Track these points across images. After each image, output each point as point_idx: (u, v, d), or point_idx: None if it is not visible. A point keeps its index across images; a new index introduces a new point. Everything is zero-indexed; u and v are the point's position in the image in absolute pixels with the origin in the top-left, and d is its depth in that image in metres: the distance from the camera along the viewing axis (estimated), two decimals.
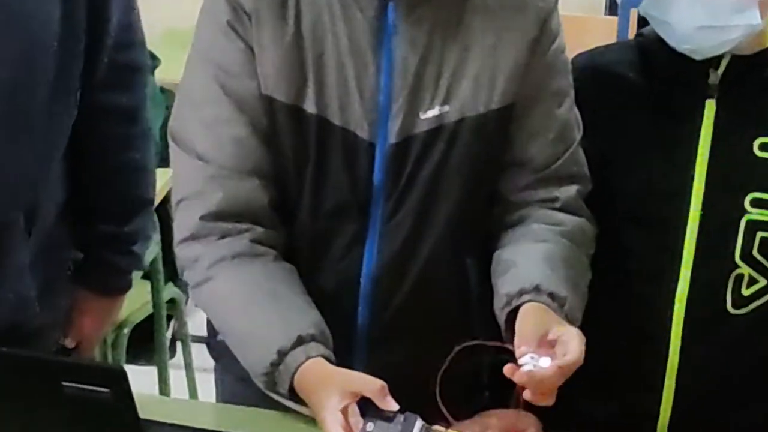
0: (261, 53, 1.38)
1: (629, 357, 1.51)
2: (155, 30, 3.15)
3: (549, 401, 1.26)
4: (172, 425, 1.43)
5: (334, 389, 1.30)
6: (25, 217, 1.54)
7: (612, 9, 3.71)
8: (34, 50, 1.52)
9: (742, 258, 1.44)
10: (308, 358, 1.33)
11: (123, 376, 1.12)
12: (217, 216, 1.41)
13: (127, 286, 1.79)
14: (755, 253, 1.43)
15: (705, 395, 1.49)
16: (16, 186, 1.53)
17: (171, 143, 1.46)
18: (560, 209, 1.47)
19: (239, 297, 1.41)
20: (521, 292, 1.36)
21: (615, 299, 1.47)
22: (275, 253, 1.43)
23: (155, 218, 1.80)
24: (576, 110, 1.47)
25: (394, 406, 1.28)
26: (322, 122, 1.39)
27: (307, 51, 1.38)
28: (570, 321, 1.36)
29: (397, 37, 1.39)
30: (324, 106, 1.39)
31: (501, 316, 1.38)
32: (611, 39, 3.12)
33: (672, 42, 1.42)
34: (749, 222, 1.44)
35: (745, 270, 1.44)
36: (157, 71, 2.90)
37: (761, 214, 1.44)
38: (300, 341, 1.34)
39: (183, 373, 2.98)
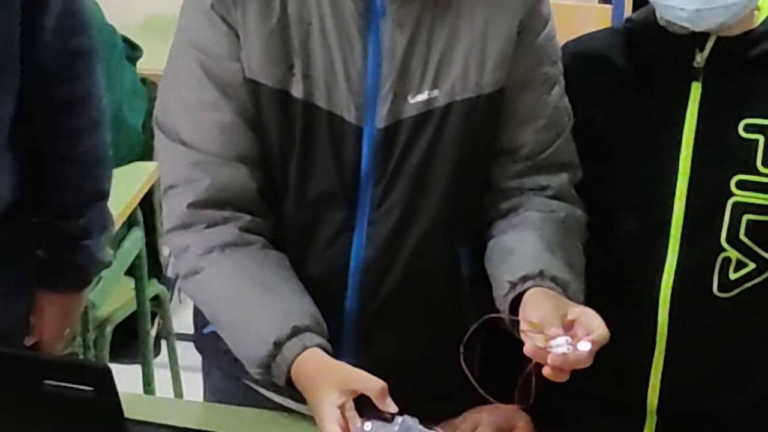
0: (246, 36, 1.38)
1: (617, 340, 1.46)
2: (135, 18, 3.06)
3: (565, 378, 1.28)
4: (156, 424, 1.44)
5: (333, 385, 1.30)
6: None
7: None
8: None
9: (728, 241, 1.45)
10: (305, 348, 1.33)
11: (107, 374, 1.11)
12: (205, 204, 1.41)
13: (84, 283, 1.76)
14: (742, 236, 1.44)
15: (692, 379, 1.51)
16: None
17: (156, 131, 1.45)
18: (553, 197, 1.47)
19: (231, 288, 1.41)
20: (525, 278, 1.36)
21: (602, 284, 1.47)
22: (264, 241, 1.43)
23: (109, 212, 1.78)
24: (566, 98, 1.48)
25: (393, 408, 1.28)
26: (309, 107, 1.39)
27: (293, 34, 1.38)
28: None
29: (384, 19, 1.38)
30: (310, 91, 1.39)
31: (504, 303, 1.39)
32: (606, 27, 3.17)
33: (670, 17, 1.43)
34: (735, 204, 1.45)
35: (733, 254, 1.45)
36: (138, 62, 2.89)
37: (747, 197, 1.45)
38: (296, 331, 1.34)
39: (168, 371, 2.99)
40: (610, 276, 1.49)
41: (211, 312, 1.45)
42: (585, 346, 1.23)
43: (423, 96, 1.39)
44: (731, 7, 1.39)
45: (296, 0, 1.37)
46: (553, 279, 1.35)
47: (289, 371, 1.34)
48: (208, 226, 1.40)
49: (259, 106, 1.40)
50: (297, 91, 1.38)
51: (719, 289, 1.46)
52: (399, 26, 1.37)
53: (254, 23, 1.36)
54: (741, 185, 1.44)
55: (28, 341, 1.69)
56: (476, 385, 1.35)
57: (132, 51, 2.87)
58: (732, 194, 1.44)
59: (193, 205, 1.40)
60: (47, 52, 1.58)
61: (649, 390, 1.51)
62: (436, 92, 1.39)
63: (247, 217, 1.42)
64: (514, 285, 1.36)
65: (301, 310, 1.37)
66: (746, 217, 1.43)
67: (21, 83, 1.57)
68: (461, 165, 1.43)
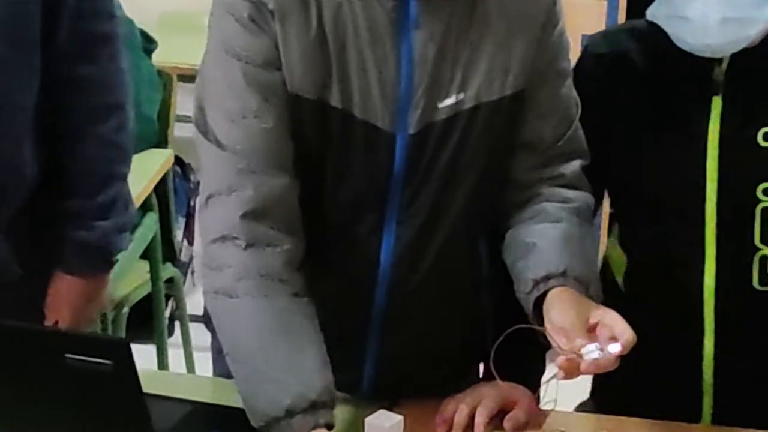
0: (286, 50, 1.38)
1: (665, 338, 1.54)
2: (151, 14, 3.13)
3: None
4: (171, 398, 1.49)
5: None
6: None
7: None
8: None
9: (762, 242, 1.48)
10: (316, 425, 1.33)
11: (126, 349, 1.13)
12: (250, 215, 1.40)
13: (103, 266, 1.76)
14: None
15: (744, 375, 1.53)
16: None
17: (197, 137, 1.45)
18: (566, 185, 1.50)
19: (261, 334, 1.39)
20: (548, 277, 1.38)
21: (646, 281, 1.53)
22: (302, 283, 1.42)
23: (129, 195, 1.80)
24: (574, 90, 1.51)
25: None
26: (345, 115, 1.40)
27: (330, 45, 1.38)
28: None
29: (415, 29, 1.39)
30: (347, 100, 1.39)
31: (527, 300, 1.41)
32: (600, 22, 3.11)
33: (689, 39, 1.41)
34: (764, 209, 1.47)
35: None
36: (153, 54, 2.91)
37: None
38: (312, 407, 1.33)
39: (181, 351, 3.02)
40: (655, 273, 1.54)
41: (233, 344, 1.42)
42: (615, 348, 1.26)
43: (451, 99, 1.40)
44: (750, 37, 1.40)
45: (332, 13, 1.37)
46: (576, 279, 1.37)
47: None
48: (249, 246, 1.38)
49: (299, 116, 1.40)
50: (335, 100, 1.38)
51: (760, 283, 1.48)
52: (429, 35, 1.38)
53: (294, 37, 1.37)
54: (767, 192, 1.47)
55: (47, 321, 1.71)
56: (495, 373, 1.37)
57: (148, 43, 2.87)
58: (759, 200, 1.46)
59: (238, 217, 1.38)
60: (67, 35, 1.60)
61: (704, 395, 1.55)
62: (462, 96, 1.40)
63: (287, 244, 1.41)
64: (537, 283, 1.38)
65: (323, 384, 1.35)
66: None
67: (42, 64, 1.59)
68: (486, 164, 1.46)
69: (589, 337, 1.28)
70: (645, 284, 1.52)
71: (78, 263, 1.71)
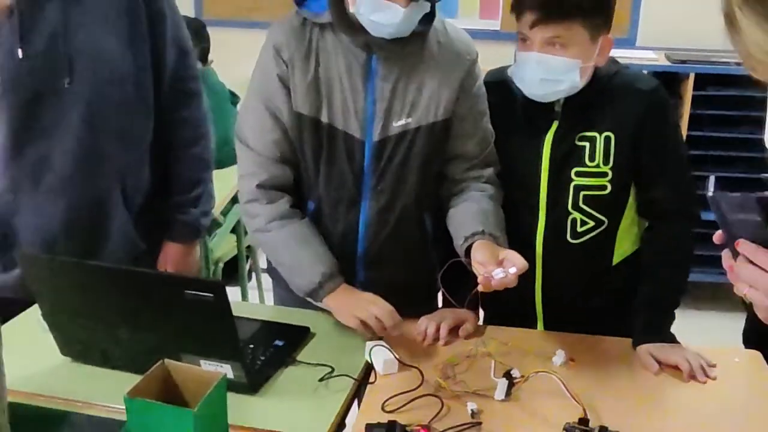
0: (293, 86, 1.48)
1: None
2: (236, 78, 2.72)
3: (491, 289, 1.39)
4: (249, 318, 1.60)
5: (368, 303, 1.45)
6: (122, 193, 1.68)
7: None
8: (123, 80, 1.62)
9: (573, 208, 1.57)
10: (337, 286, 1.48)
11: (222, 288, 1.27)
12: (263, 186, 1.52)
13: (191, 236, 1.81)
14: (581, 204, 1.56)
15: (561, 288, 1.62)
16: (115, 172, 1.66)
17: (236, 141, 1.57)
18: (485, 182, 1.60)
19: (288, 246, 1.52)
20: (474, 234, 1.49)
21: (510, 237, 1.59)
22: (302, 214, 1.55)
23: (212, 190, 1.83)
24: (490, 124, 1.59)
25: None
26: (332, 129, 1.49)
27: (322, 83, 1.48)
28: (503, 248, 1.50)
29: (377, 75, 1.47)
30: (332, 118, 1.48)
31: (461, 249, 1.51)
32: None
33: (524, 91, 1.53)
34: (575, 186, 1.57)
35: (577, 216, 1.57)
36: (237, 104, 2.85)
37: (581, 180, 1.56)
38: (332, 276, 1.49)
39: (256, 291, 3.16)
40: (515, 229, 1.60)
41: (275, 257, 1.58)
42: (513, 270, 1.37)
43: (402, 122, 1.49)
44: (562, 90, 1.49)
45: (324, 63, 1.48)
46: (491, 235, 1.49)
47: (323, 297, 1.49)
48: (269, 202, 1.52)
49: (301, 128, 1.49)
50: (324, 118, 1.48)
51: (571, 237, 1.60)
52: (386, 80, 1.49)
53: (299, 78, 1.48)
54: (577, 174, 1.56)
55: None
56: (449, 297, 1.47)
57: (233, 97, 2.96)
58: (572, 180, 1.56)
59: (258, 186, 1.52)
60: (168, 90, 1.71)
61: (536, 290, 1.64)
62: (409, 119, 1.50)
63: (288, 198, 1.54)
64: (467, 238, 1.50)
65: (332, 262, 1.51)
66: (582, 192, 1.56)
67: (154, 109, 1.71)
68: (425, 164, 1.55)
69: (498, 266, 1.39)
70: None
71: (179, 234, 1.81)
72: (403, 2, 1.38)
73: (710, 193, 0.87)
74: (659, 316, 1.54)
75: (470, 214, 1.53)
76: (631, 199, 1.59)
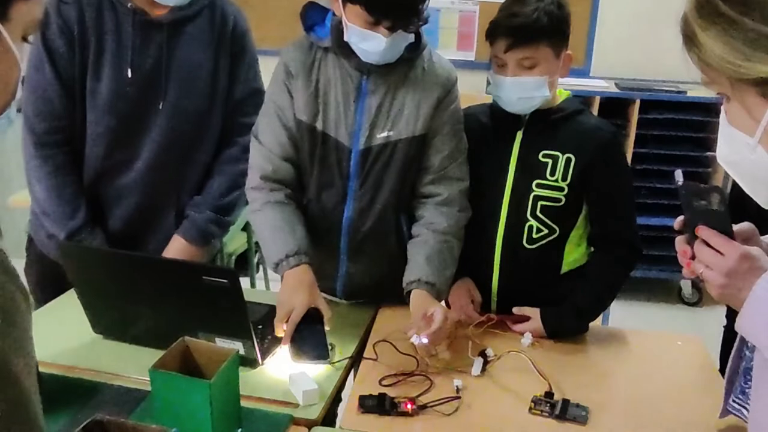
0: (296, 96, 1.50)
1: (481, 264, 1.60)
2: None
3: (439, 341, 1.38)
4: (257, 303, 1.60)
5: (306, 296, 1.41)
6: (176, 200, 1.71)
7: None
8: (200, 108, 1.64)
9: (530, 216, 1.58)
10: (300, 262, 1.45)
11: (235, 275, 1.31)
12: (267, 178, 1.53)
13: (198, 236, 1.69)
14: (538, 213, 1.57)
15: (515, 284, 1.61)
16: (175, 183, 1.70)
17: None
18: (442, 203, 1.55)
19: (273, 225, 1.50)
20: (411, 282, 1.49)
21: (473, 237, 1.60)
22: (295, 204, 1.54)
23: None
24: (465, 139, 1.59)
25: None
26: (325, 135, 1.50)
27: (320, 96, 1.50)
28: (439, 295, 1.49)
29: (366, 92, 1.48)
30: (326, 126, 1.49)
31: (405, 291, 1.49)
32: None
33: (504, 107, 1.57)
34: (534, 196, 1.57)
35: (533, 223, 1.58)
36: None
37: (541, 192, 1.55)
38: (297, 253, 1.45)
39: (263, 280, 3.14)
40: (477, 232, 1.60)
41: (260, 232, 1.53)
42: (424, 341, 1.34)
43: (384, 134, 1.49)
44: (535, 105, 1.52)
45: (323, 78, 1.49)
46: (427, 283, 1.48)
47: (285, 269, 1.44)
48: (270, 191, 1.51)
49: (300, 134, 1.50)
50: (320, 126, 1.49)
51: (527, 242, 1.59)
52: (374, 97, 1.49)
53: (301, 89, 1.50)
54: (538, 185, 1.56)
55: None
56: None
57: None
58: (533, 191, 1.57)
59: (262, 177, 1.52)
60: (240, 94, 1.68)
61: (493, 284, 1.62)
62: (391, 133, 1.49)
63: (288, 190, 1.54)
64: (408, 284, 1.49)
65: (304, 243, 1.48)
66: (540, 203, 1.56)
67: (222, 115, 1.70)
68: (403, 172, 1.54)
69: (425, 320, 1.38)
70: (467, 237, 1.58)
71: (185, 229, 1.70)
72: (385, 33, 1.41)
73: (679, 183, 0.88)
74: (570, 309, 1.56)
75: (414, 258, 1.54)
76: (581, 218, 1.60)
